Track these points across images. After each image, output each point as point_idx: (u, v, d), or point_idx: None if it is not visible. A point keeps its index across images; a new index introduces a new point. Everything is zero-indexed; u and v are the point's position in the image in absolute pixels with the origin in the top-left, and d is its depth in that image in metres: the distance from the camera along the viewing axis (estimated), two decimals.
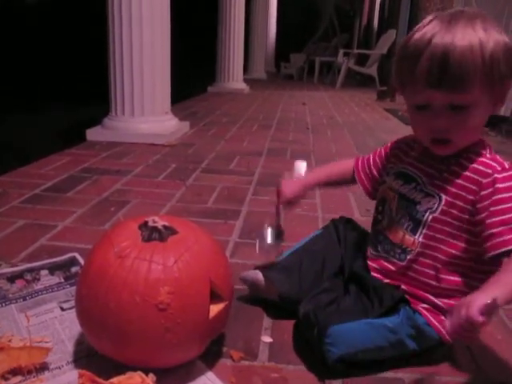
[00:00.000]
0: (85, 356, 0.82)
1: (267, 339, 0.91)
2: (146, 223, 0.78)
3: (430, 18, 0.78)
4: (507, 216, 0.74)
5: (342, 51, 8.19)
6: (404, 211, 0.87)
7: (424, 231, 0.84)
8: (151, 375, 0.71)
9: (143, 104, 2.70)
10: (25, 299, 0.99)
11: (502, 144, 3.21)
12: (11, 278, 1.07)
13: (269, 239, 1.01)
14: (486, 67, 0.73)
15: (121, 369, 0.74)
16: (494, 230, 0.75)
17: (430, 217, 0.83)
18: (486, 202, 0.77)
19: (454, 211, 0.81)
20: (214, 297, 0.77)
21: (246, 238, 1.40)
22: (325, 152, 2.69)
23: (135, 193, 1.77)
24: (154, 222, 0.78)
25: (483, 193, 0.77)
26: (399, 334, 0.82)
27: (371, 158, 1.02)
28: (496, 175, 0.77)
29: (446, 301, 0.84)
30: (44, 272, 1.10)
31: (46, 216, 1.49)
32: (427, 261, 0.84)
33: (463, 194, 0.80)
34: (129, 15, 2.56)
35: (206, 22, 6.16)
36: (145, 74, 2.66)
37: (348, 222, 1.08)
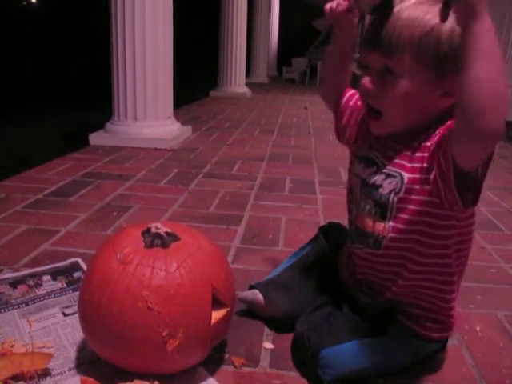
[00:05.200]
0: (87, 362, 0.82)
1: (269, 345, 0.91)
2: (148, 229, 0.79)
3: None
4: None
5: None
6: (368, 198, 0.82)
7: (393, 214, 0.78)
8: (156, 383, 0.71)
9: (146, 108, 2.71)
10: (27, 304, 0.99)
11: (505, 148, 3.21)
12: (13, 284, 1.07)
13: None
14: (421, 41, 0.71)
15: (123, 375, 0.75)
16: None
17: (396, 198, 0.77)
18: (433, 147, 0.73)
19: (417, 186, 0.75)
20: (216, 303, 0.77)
21: (248, 243, 1.40)
22: (327, 157, 2.69)
23: (137, 198, 1.78)
24: (157, 228, 0.78)
25: (431, 148, 0.73)
26: (391, 351, 0.82)
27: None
28: (439, 131, 0.74)
29: (429, 306, 0.82)
30: (46, 277, 1.10)
31: (48, 221, 1.50)
32: (405, 244, 0.78)
33: (418, 165, 0.75)
34: (132, 21, 2.58)
35: (209, 26, 6.21)
36: (147, 78, 2.68)
37: (337, 228, 1.06)
